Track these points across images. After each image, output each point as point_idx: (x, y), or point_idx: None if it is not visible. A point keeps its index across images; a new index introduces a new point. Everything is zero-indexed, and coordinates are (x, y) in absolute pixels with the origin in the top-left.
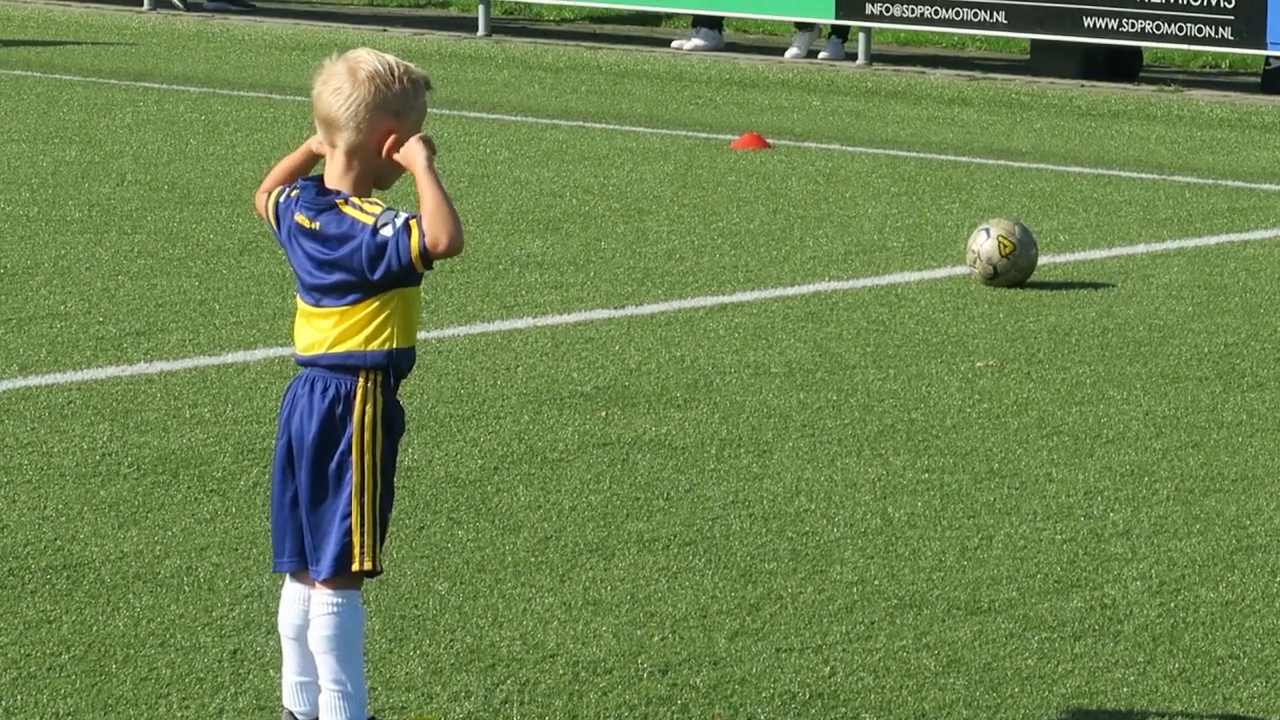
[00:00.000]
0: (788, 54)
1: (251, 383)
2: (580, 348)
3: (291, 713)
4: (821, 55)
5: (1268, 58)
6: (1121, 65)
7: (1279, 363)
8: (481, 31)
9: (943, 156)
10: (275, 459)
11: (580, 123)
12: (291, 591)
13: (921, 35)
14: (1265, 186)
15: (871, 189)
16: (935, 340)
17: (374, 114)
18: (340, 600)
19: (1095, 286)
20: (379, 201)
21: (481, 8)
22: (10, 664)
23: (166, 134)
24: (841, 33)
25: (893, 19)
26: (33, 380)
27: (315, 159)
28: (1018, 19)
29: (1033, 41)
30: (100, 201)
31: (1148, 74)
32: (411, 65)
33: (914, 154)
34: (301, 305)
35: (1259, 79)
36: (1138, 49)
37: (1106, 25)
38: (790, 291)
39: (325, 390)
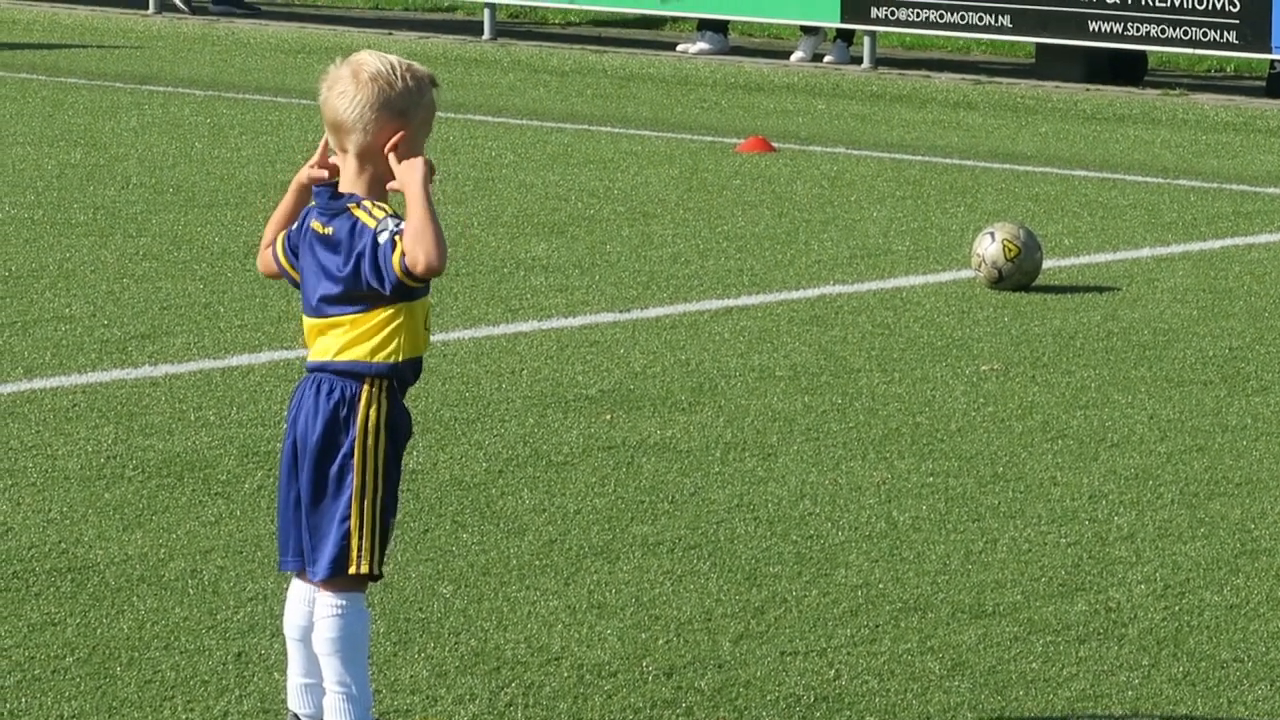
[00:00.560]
0: (793, 57)
1: (256, 386)
2: (585, 351)
3: (296, 715)
4: (826, 59)
5: (1273, 62)
6: (1126, 69)
7: None
8: (487, 35)
9: (948, 160)
10: (282, 459)
11: (585, 126)
12: (296, 593)
13: (926, 39)
14: (1270, 190)
15: (876, 193)
16: (940, 344)
17: (380, 114)
18: (344, 602)
19: (1100, 290)
20: (386, 206)
21: (487, 11)
22: (15, 666)
23: (172, 137)
24: (846, 36)
25: (897, 23)
26: (37, 383)
27: (307, 191)
28: (1022, 23)
29: (1037, 45)
30: (105, 204)
31: (1152, 78)
32: (415, 64)
33: (919, 158)
34: (309, 322)
35: (1264, 83)
36: (1143, 53)
37: (1111, 29)
38: (795, 295)
39: (330, 392)
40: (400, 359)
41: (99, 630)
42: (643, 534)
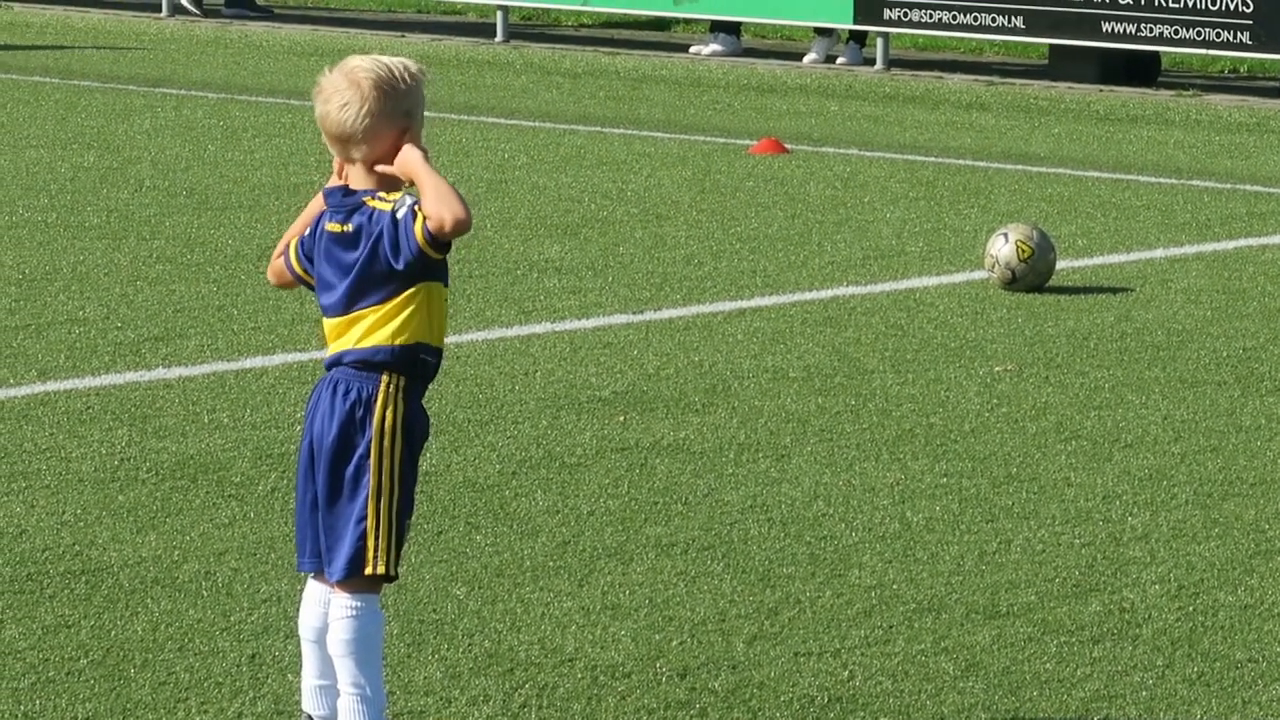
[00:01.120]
0: (806, 59)
1: (270, 388)
2: (598, 352)
3: (310, 716)
4: (840, 60)
5: None
6: (1140, 70)
7: None
8: (499, 37)
9: (961, 161)
10: (299, 460)
11: (598, 128)
12: (312, 593)
13: (939, 40)
14: None
15: (889, 194)
16: (953, 345)
17: (389, 120)
18: (359, 604)
19: (1113, 291)
20: (400, 194)
21: (499, 14)
22: (29, 668)
23: (185, 140)
24: (859, 38)
25: (911, 24)
26: (51, 386)
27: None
28: (1036, 24)
29: (1051, 46)
30: (118, 207)
31: (1166, 79)
32: (406, 60)
33: (932, 159)
34: (330, 322)
35: (1277, 83)
36: (1156, 54)
37: (1125, 30)
38: (808, 296)
39: (347, 393)
40: (421, 340)
41: (113, 632)
42: (656, 535)
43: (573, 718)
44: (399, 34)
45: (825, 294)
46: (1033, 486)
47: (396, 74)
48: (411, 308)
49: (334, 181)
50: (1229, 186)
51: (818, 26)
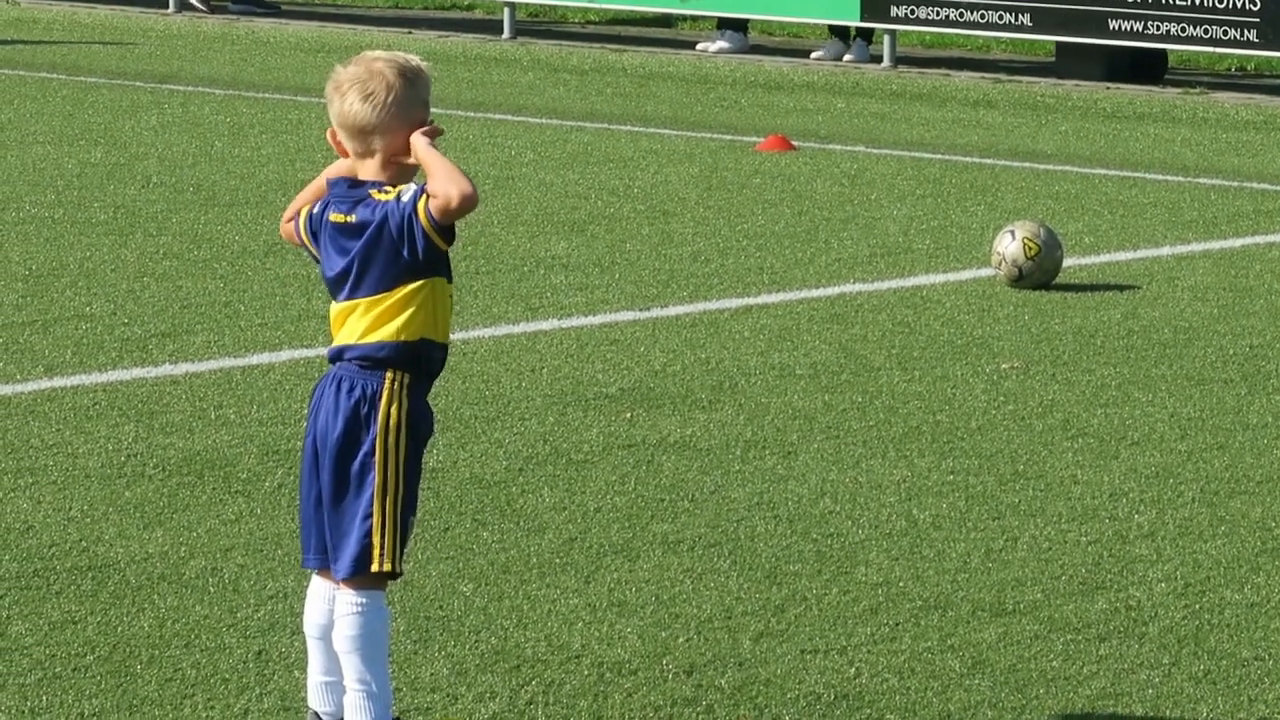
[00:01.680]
0: (813, 55)
1: (276, 384)
2: (605, 349)
3: (316, 713)
4: (846, 58)
5: None
6: (1146, 67)
7: None
8: (506, 34)
9: (967, 159)
10: (303, 457)
11: (605, 125)
12: (317, 590)
13: (946, 38)
14: None
15: (896, 191)
16: (960, 342)
17: (412, 108)
18: (365, 600)
19: (1120, 289)
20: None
21: (506, 10)
22: (36, 664)
23: (192, 136)
24: (866, 35)
25: (917, 21)
26: (58, 381)
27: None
28: (1042, 21)
29: (1057, 44)
30: (125, 203)
31: (1173, 76)
32: (407, 56)
33: (939, 156)
34: (334, 307)
35: None
36: (1163, 51)
37: (1131, 27)
38: (815, 293)
39: (351, 390)
40: (425, 337)
41: (119, 628)
42: (663, 532)
43: (579, 714)
44: (406, 30)
45: (832, 291)
46: (1039, 484)
47: (412, 64)
48: (416, 303)
49: (319, 183)
50: (1236, 184)
51: (833, 27)
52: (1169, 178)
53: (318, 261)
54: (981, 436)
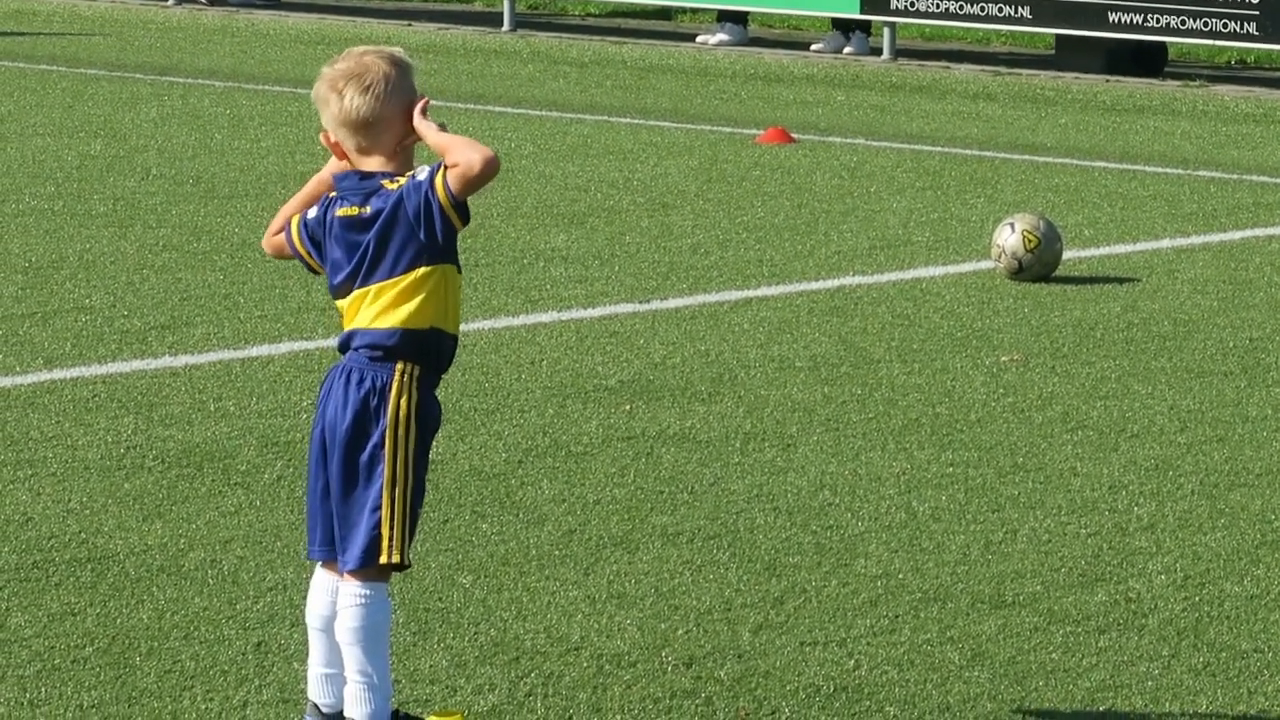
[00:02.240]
0: (814, 47)
1: (276, 376)
2: (604, 342)
3: (315, 704)
4: (846, 50)
5: None
6: (1146, 60)
7: None
8: (506, 26)
9: (967, 151)
10: (310, 448)
11: (605, 117)
12: (320, 582)
13: (946, 30)
14: None
15: (896, 184)
16: (960, 335)
17: (406, 95)
18: (368, 592)
19: (1120, 281)
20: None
21: (506, 3)
22: (35, 656)
23: (191, 128)
24: (865, 27)
25: (917, 14)
26: (58, 374)
27: (327, 184)
28: (1042, 14)
29: (1057, 37)
30: (125, 196)
31: (1173, 69)
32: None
33: (939, 149)
34: (343, 302)
35: None
36: (1163, 44)
37: (1131, 20)
38: (815, 286)
39: (361, 382)
40: (434, 326)
41: (119, 620)
42: (662, 524)
43: (578, 706)
44: (406, 23)
45: (831, 283)
46: (1039, 476)
47: (399, 53)
48: (428, 289)
49: (311, 189)
50: (1235, 177)
51: (835, 20)
52: (1169, 170)
53: (314, 271)
54: (981, 429)
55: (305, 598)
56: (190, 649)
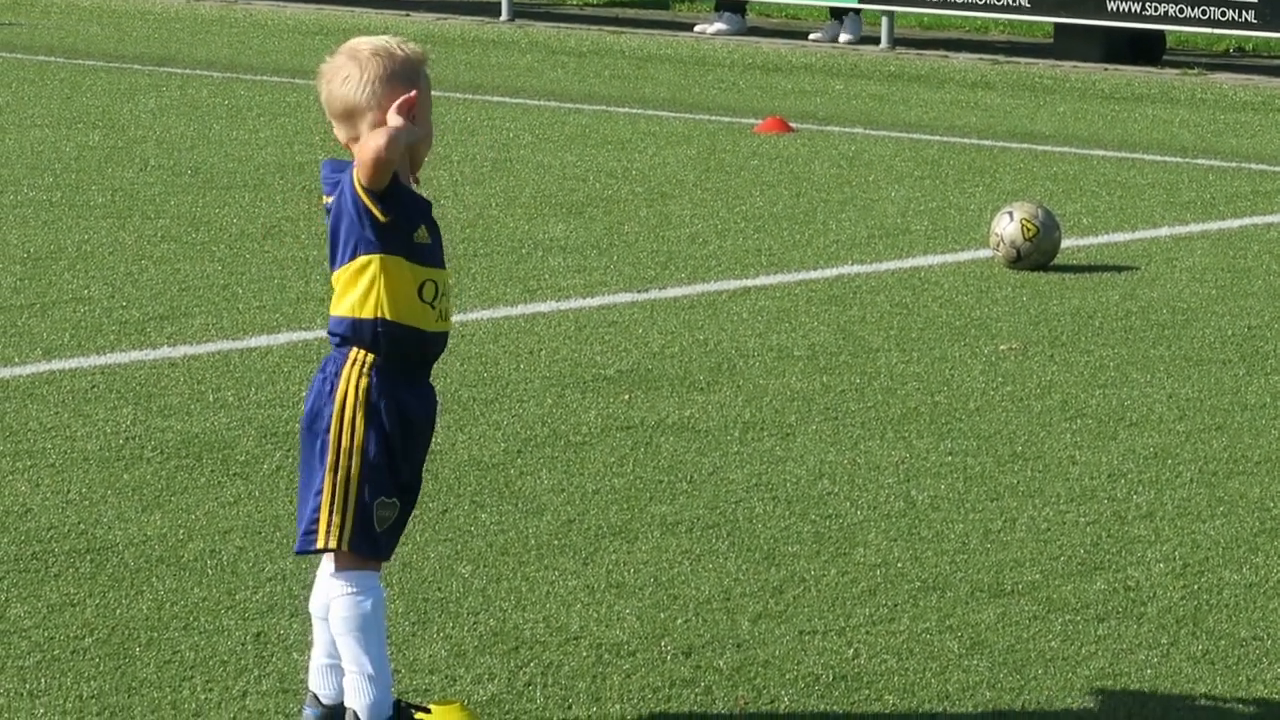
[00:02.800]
0: (812, 36)
1: (274, 367)
2: (603, 331)
3: (315, 695)
4: (843, 37)
5: None
6: (1145, 49)
7: None
8: (504, 16)
9: (966, 140)
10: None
11: (603, 107)
12: (324, 572)
13: (944, 19)
14: None
15: (894, 172)
16: (959, 323)
17: (389, 87)
18: (353, 582)
19: (1118, 269)
20: None
21: None
22: (34, 647)
23: (189, 119)
24: (857, 9)
25: (915, 2)
26: (56, 364)
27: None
28: (1040, 2)
29: (1056, 25)
30: (123, 186)
31: (1171, 57)
32: (404, 41)
33: (937, 138)
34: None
35: None
36: (1161, 32)
37: (1130, 9)
38: (813, 275)
39: (324, 367)
40: (383, 316)
41: (118, 611)
42: (661, 514)
43: (577, 696)
44: (404, 13)
45: (830, 272)
46: (1037, 465)
47: (393, 45)
48: (366, 278)
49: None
50: (1234, 165)
51: (833, 9)
52: (1167, 159)
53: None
54: (980, 418)
55: (306, 588)
56: (190, 639)
